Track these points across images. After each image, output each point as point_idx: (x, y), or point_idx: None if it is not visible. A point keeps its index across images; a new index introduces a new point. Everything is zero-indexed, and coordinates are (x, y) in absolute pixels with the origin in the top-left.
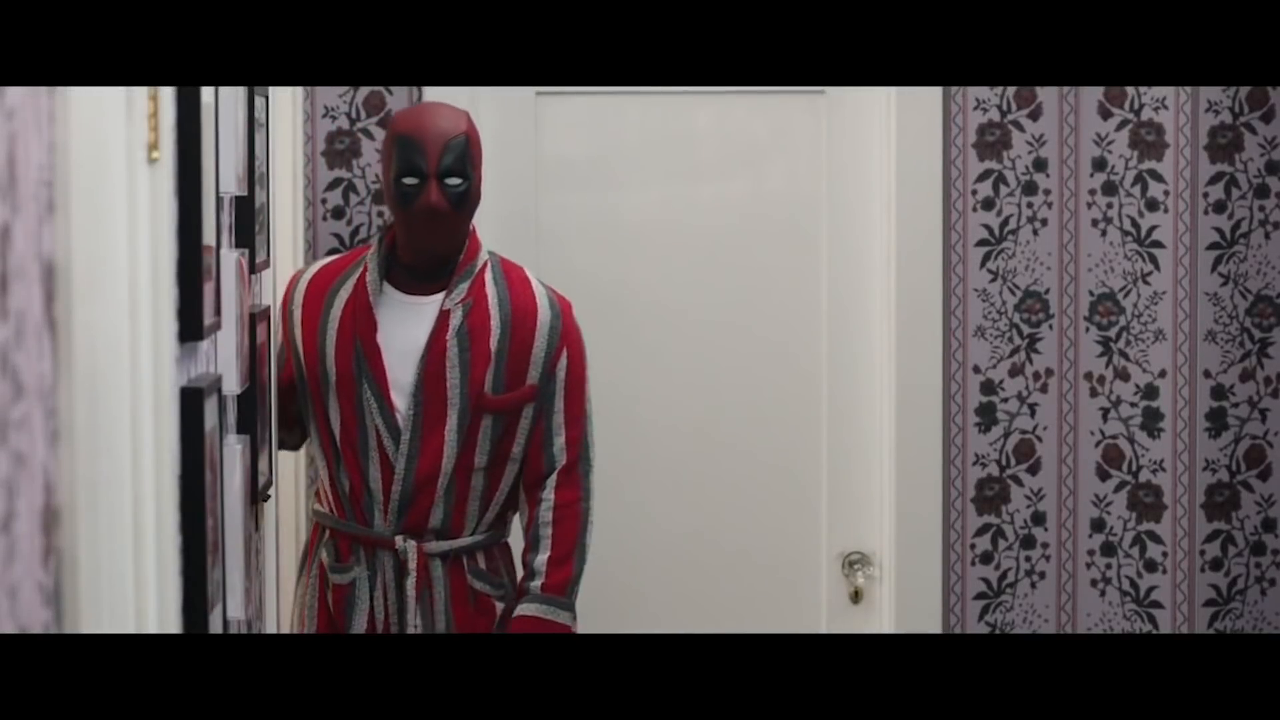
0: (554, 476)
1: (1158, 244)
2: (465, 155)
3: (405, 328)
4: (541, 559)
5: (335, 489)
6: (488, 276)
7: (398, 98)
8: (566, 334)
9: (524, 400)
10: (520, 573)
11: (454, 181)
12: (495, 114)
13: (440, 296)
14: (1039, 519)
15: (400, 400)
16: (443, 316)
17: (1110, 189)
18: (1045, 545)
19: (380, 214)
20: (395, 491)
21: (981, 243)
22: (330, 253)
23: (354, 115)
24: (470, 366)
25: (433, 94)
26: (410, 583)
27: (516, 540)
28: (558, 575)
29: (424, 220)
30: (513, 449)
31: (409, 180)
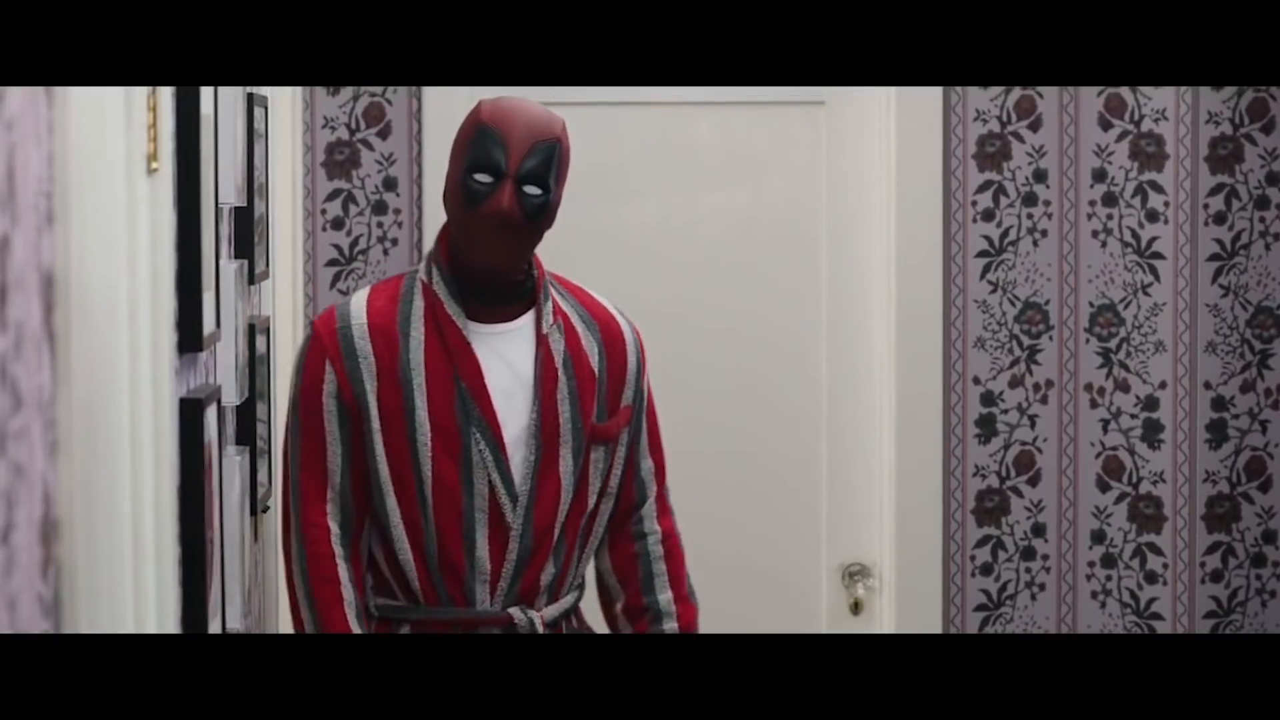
0: (649, 505)
1: (1158, 255)
2: (552, 163)
3: (502, 362)
4: (666, 598)
5: (423, 572)
6: (554, 292)
7: (397, 108)
8: (643, 349)
9: (624, 425)
10: (626, 617)
11: (533, 191)
12: None
13: (524, 321)
14: (1039, 530)
15: (513, 448)
16: (543, 343)
17: (1110, 200)
18: (1045, 557)
19: (380, 224)
20: (510, 558)
21: (981, 254)
22: (332, 261)
23: (353, 126)
24: (579, 395)
25: (432, 94)
26: None
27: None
28: (689, 613)
29: (489, 227)
30: (611, 482)
31: (481, 177)
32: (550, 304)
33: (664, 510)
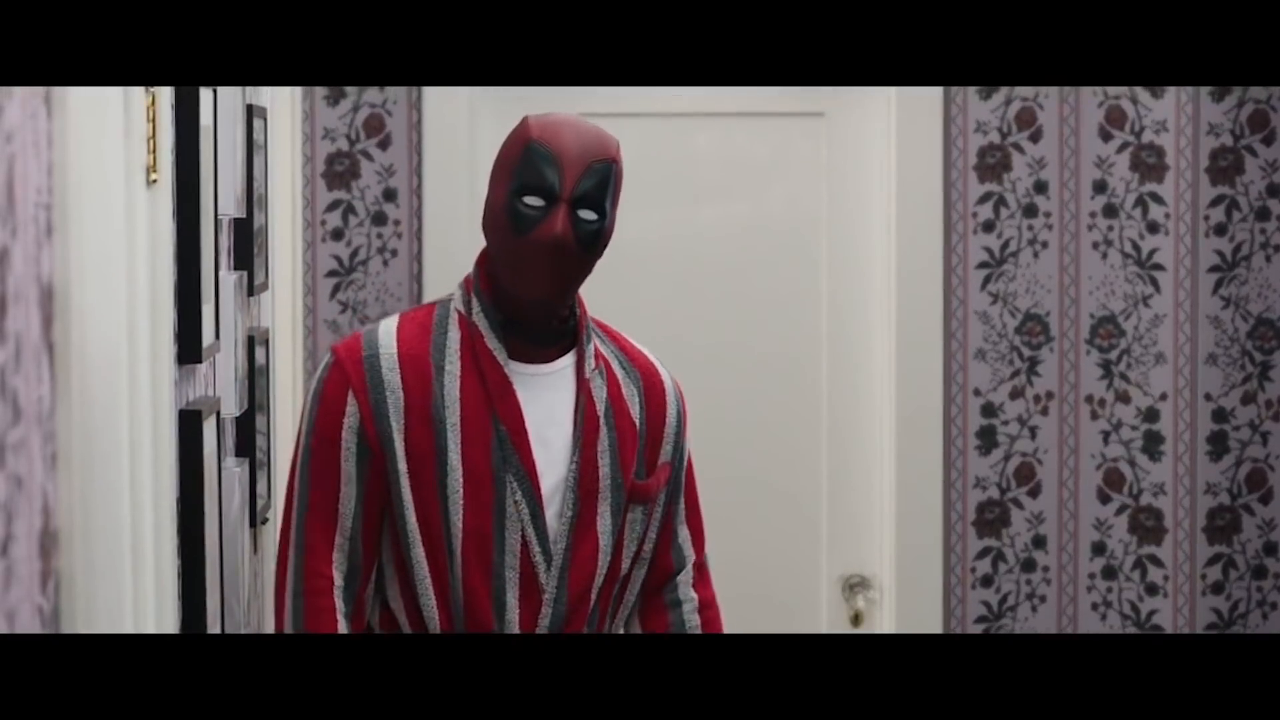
0: (686, 573)
1: (1158, 267)
2: (608, 185)
3: (542, 407)
4: None
5: (448, 630)
6: (594, 335)
7: (397, 119)
8: (684, 403)
9: (663, 484)
10: None
11: (588, 215)
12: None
13: (565, 363)
14: (1040, 542)
15: (548, 502)
16: (584, 388)
17: (1111, 211)
18: (1046, 568)
19: (379, 235)
20: (543, 624)
21: (982, 265)
22: (331, 272)
23: (353, 137)
24: (619, 448)
25: (432, 105)
26: None
27: None
28: None
29: (541, 255)
30: (646, 547)
31: (532, 200)
32: (593, 346)
33: (703, 578)
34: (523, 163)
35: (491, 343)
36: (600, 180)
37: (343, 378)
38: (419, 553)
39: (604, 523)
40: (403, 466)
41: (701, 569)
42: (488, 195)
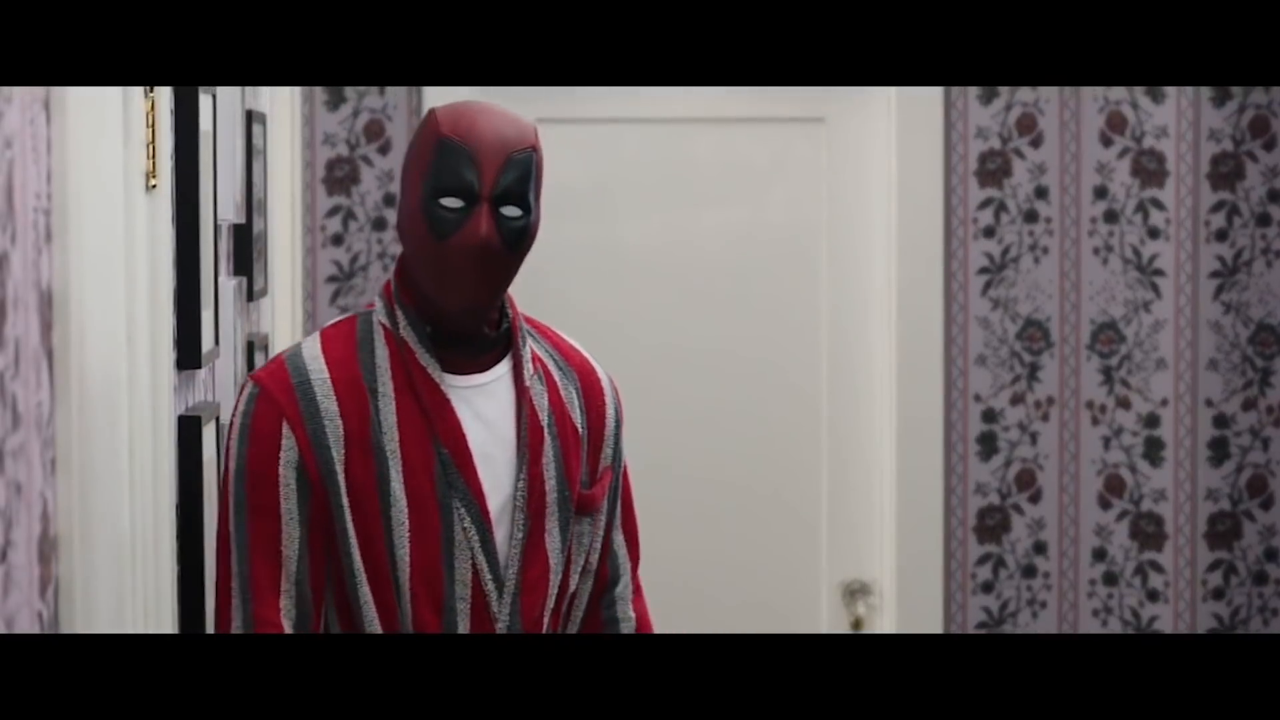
0: (624, 586)
1: (1159, 272)
2: (529, 177)
3: (480, 421)
4: None
5: None
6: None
7: (397, 124)
8: (620, 402)
9: (606, 490)
10: None
11: (512, 212)
12: None
13: (500, 371)
14: (1040, 548)
15: (496, 523)
16: (524, 397)
17: (1111, 217)
18: (1046, 575)
19: (379, 241)
20: None
21: (982, 270)
22: (331, 278)
23: (353, 142)
24: (564, 457)
25: (433, 100)
26: None
27: None
28: None
29: (465, 260)
30: (593, 558)
31: (450, 203)
32: (529, 350)
33: (639, 593)
34: (436, 161)
35: (424, 358)
36: (522, 172)
37: (273, 409)
38: (365, 591)
39: (552, 540)
40: (345, 501)
41: (635, 581)
42: (400, 198)
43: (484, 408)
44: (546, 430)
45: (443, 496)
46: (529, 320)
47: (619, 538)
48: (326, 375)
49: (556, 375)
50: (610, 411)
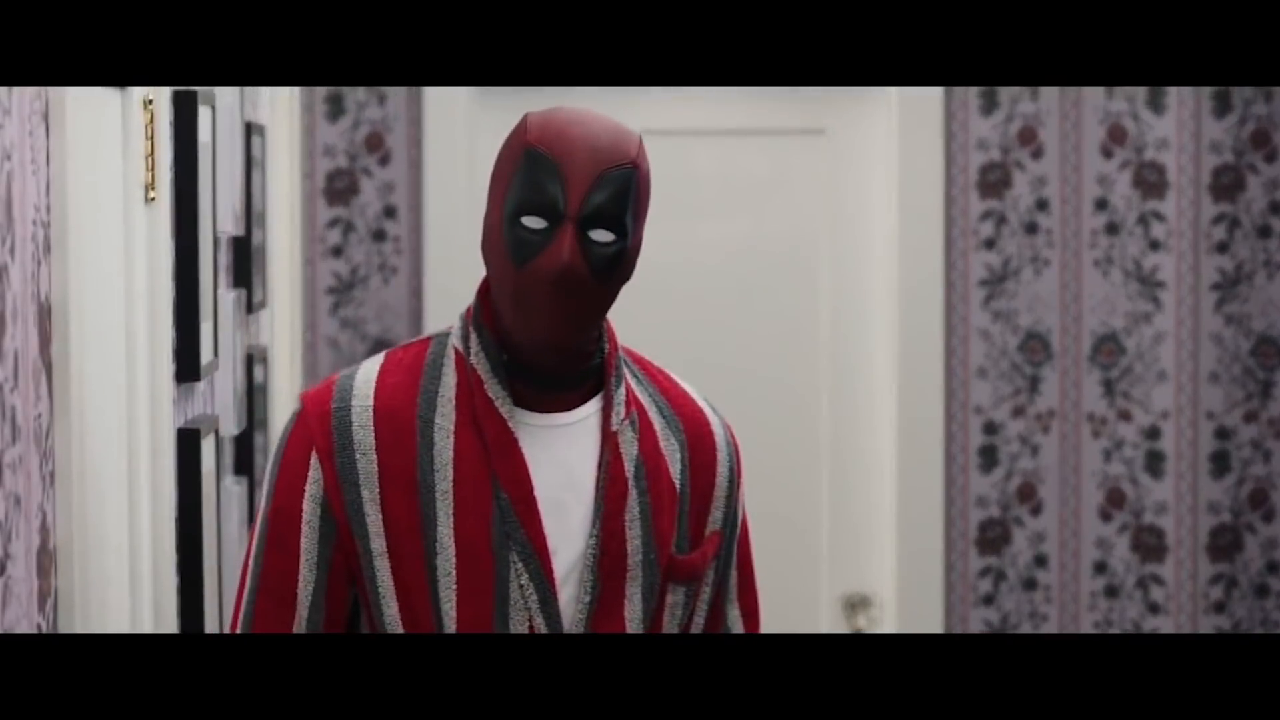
0: None
1: (1160, 284)
2: (627, 197)
3: (557, 467)
4: None
5: None
6: (626, 374)
7: (397, 135)
8: (739, 458)
9: (711, 558)
10: None
11: (602, 236)
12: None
13: (587, 412)
14: (1041, 561)
15: (563, 583)
16: (610, 443)
17: (1112, 229)
18: (1047, 587)
19: (379, 252)
20: None
21: (983, 283)
22: (331, 289)
23: (353, 153)
24: (653, 516)
25: (433, 121)
26: None
27: None
28: None
29: (546, 290)
30: (691, 631)
31: (532, 222)
32: (624, 390)
33: None
34: (520, 174)
35: (493, 389)
36: (617, 191)
37: (306, 436)
38: None
39: (632, 607)
40: (378, 545)
41: None
42: (485, 214)
43: (563, 451)
44: (632, 482)
45: (498, 547)
46: (635, 357)
47: (733, 612)
48: (370, 403)
49: (657, 422)
50: (723, 469)
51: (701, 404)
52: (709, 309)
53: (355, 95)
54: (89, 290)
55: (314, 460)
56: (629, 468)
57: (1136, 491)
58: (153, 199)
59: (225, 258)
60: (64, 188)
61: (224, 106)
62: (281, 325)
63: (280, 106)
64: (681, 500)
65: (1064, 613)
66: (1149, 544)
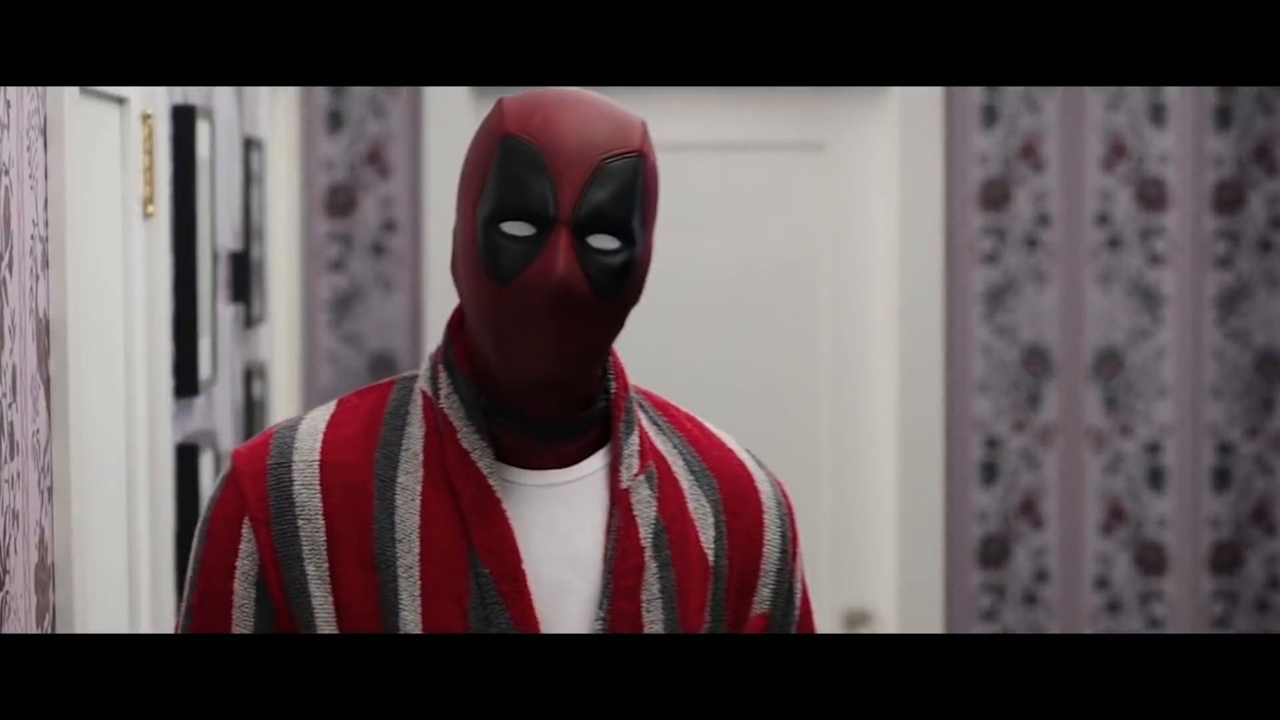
0: None
1: (1161, 299)
2: (632, 194)
3: (554, 535)
4: None
5: None
6: (644, 420)
7: (398, 149)
8: (794, 521)
9: None
10: None
11: (604, 243)
12: None
13: (592, 467)
14: (1042, 576)
15: None
16: (621, 504)
17: (1114, 243)
18: (1048, 602)
19: (379, 267)
20: None
21: (984, 297)
22: (331, 304)
23: (353, 167)
24: (678, 594)
25: (433, 134)
26: None
27: None
28: None
29: (535, 310)
30: None
31: (515, 229)
32: (637, 438)
33: None
34: (497, 171)
35: (468, 439)
36: (620, 187)
37: (237, 500)
38: None
39: None
40: (329, 630)
41: None
42: (455, 227)
43: (561, 516)
44: (650, 553)
45: (478, 634)
46: (655, 400)
47: None
48: (316, 457)
49: (684, 479)
50: (772, 536)
51: (743, 456)
52: (709, 323)
53: (354, 108)
54: (87, 305)
55: (246, 530)
56: (645, 534)
57: (1138, 506)
58: (151, 214)
59: (224, 272)
60: (62, 202)
61: (223, 121)
62: (280, 340)
63: (279, 120)
64: (716, 575)
65: (1065, 628)
66: (1150, 559)
